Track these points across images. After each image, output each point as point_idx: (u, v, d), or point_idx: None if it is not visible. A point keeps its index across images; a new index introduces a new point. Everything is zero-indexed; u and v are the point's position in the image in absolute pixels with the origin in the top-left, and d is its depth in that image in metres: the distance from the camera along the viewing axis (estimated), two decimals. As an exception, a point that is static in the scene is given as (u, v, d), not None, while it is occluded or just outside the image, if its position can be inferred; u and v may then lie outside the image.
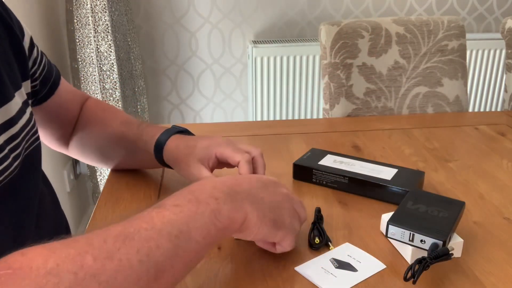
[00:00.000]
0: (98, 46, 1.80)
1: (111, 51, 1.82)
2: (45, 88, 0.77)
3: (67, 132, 0.85)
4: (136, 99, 2.08)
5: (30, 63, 0.72)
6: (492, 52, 2.24)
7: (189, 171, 0.69)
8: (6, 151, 0.60)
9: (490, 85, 2.32)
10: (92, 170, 2.04)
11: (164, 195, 0.78)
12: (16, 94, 0.65)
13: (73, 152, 0.87)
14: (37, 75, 0.74)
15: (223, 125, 1.36)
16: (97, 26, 1.78)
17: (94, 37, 1.79)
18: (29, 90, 0.71)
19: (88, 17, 1.77)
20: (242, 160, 0.68)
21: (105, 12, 1.77)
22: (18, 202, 0.64)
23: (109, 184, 0.83)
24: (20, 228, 0.64)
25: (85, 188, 2.18)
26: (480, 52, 2.24)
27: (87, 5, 1.76)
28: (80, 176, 2.14)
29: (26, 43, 0.71)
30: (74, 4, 1.78)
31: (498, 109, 2.38)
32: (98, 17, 1.78)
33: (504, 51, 2.22)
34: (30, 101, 0.72)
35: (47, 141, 0.86)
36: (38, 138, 0.71)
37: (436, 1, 2.25)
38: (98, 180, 2.02)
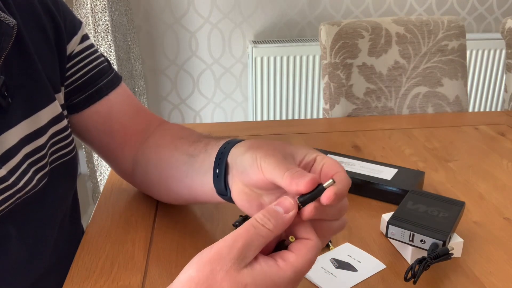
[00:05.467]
0: (98, 46, 1.80)
1: (111, 51, 1.82)
2: (81, 94, 0.69)
3: (117, 161, 0.74)
4: (137, 99, 2.08)
5: (71, 64, 0.67)
6: (492, 52, 2.24)
7: (274, 158, 0.49)
8: (25, 165, 0.58)
9: (490, 85, 2.31)
10: (92, 170, 2.04)
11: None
12: (56, 96, 0.63)
13: (137, 180, 0.75)
14: (74, 78, 0.68)
15: (223, 125, 1.36)
16: (97, 26, 1.78)
17: (94, 37, 1.79)
18: (63, 97, 0.67)
19: (88, 17, 1.77)
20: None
21: (105, 12, 1.77)
22: (41, 216, 0.62)
23: (109, 184, 0.83)
24: (41, 241, 0.63)
25: (85, 188, 2.18)
26: (480, 52, 2.24)
27: (87, 5, 1.76)
28: (80, 176, 2.14)
29: (73, 43, 0.67)
30: (74, 4, 1.78)
31: (498, 109, 2.38)
32: (98, 17, 1.78)
33: (504, 51, 2.22)
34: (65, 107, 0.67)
35: (106, 160, 0.76)
36: (73, 148, 0.67)
37: (436, 1, 2.25)
38: (98, 180, 2.01)
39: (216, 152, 0.57)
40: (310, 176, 0.45)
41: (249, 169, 0.50)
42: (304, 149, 0.51)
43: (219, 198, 0.58)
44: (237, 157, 0.53)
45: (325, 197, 0.44)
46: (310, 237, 0.43)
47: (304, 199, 0.44)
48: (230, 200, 0.56)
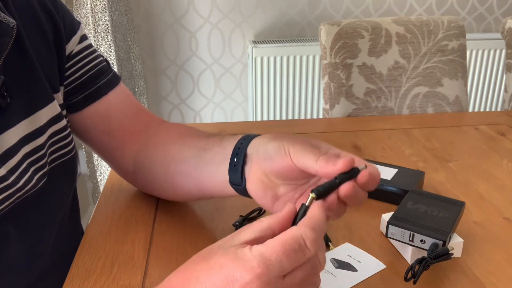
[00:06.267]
0: (98, 46, 1.80)
1: (111, 51, 1.82)
2: (80, 94, 0.69)
3: (117, 160, 0.74)
4: (136, 99, 2.08)
5: (70, 63, 0.68)
6: (492, 52, 2.24)
7: (303, 145, 0.50)
8: (25, 165, 0.58)
9: (490, 85, 2.31)
10: (92, 170, 2.04)
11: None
12: (55, 96, 0.63)
13: (139, 181, 0.75)
14: (73, 78, 0.68)
15: (223, 125, 1.36)
16: (97, 26, 1.78)
17: (94, 37, 1.79)
18: (62, 96, 0.67)
19: (88, 17, 1.77)
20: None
21: (105, 12, 1.77)
22: (40, 215, 0.62)
23: (109, 184, 0.83)
24: (40, 241, 0.63)
25: (85, 188, 2.18)
26: (480, 52, 2.23)
27: (87, 5, 1.76)
28: (80, 176, 2.14)
29: (72, 43, 0.67)
30: (74, 4, 1.78)
31: (498, 109, 2.38)
32: (98, 17, 1.77)
33: (504, 51, 2.22)
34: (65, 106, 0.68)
35: (105, 160, 0.76)
36: (73, 148, 0.67)
37: (436, 1, 2.25)
38: (98, 180, 2.01)
39: (232, 145, 0.58)
40: (349, 156, 0.47)
41: (275, 156, 0.51)
42: (327, 144, 0.53)
43: (228, 191, 0.59)
44: (260, 146, 0.54)
45: (361, 176, 0.46)
46: (294, 226, 0.41)
47: (342, 178, 0.46)
48: (242, 191, 0.57)
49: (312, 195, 0.44)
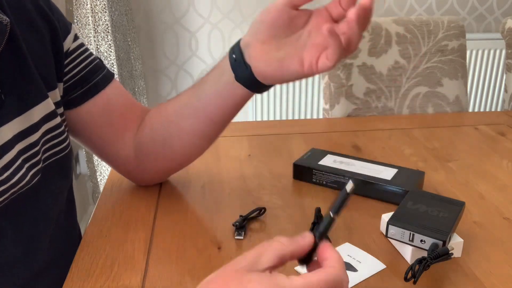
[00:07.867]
0: (98, 46, 1.80)
1: (111, 51, 1.82)
2: (78, 90, 0.71)
3: (118, 149, 0.76)
4: (136, 99, 2.08)
5: (68, 60, 0.69)
6: (492, 52, 2.24)
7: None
8: (19, 161, 0.58)
9: (490, 85, 2.31)
10: (92, 170, 2.04)
11: (164, 195, 0.79)
12: (50, 94, 0.64)
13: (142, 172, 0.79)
14: (71, 74, 0.70)
15: (223, 125, 1.36)
16: (97, 26, 1.78)
17: (94, 37, 1.79)
18: (61, 93, 0.68)
19: (88, 17, 1.77)
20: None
21: (105, 12, 1.77)
22: (35, 212, 0.63)
23: (109, 184, 0.83)
24: (36, 237, 0.63)
25: (85, 188, 2.18)
26: (480, 52, 2.24)
27: (87, 5, 1.76)
28: (80, 176, 2.14)
29: (68, 41, 0.69)
30: (74, 4, 1.78)
31: (498, 109, 2.38)
32: (98, 17, 1.77)
33: (504, 51, 2.22)
34: (62, 103, 0.69)
35: (102, 159, 0.78)
36: (67, 146, 0.68)
37: (436, 1, 2.25)
38: (98, 180, 2.01)
39: (225, 58, 0.65)
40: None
41: (264, 13, 0.60)
42: None
43: (237, 97, 0.67)
44: (246, 34, 0.63)
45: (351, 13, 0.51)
46: (327, 264, 0.44)
47: (335, 210, 0.47)
48: (252, 83, 0.64)
49: (317, 234, 0.47)
